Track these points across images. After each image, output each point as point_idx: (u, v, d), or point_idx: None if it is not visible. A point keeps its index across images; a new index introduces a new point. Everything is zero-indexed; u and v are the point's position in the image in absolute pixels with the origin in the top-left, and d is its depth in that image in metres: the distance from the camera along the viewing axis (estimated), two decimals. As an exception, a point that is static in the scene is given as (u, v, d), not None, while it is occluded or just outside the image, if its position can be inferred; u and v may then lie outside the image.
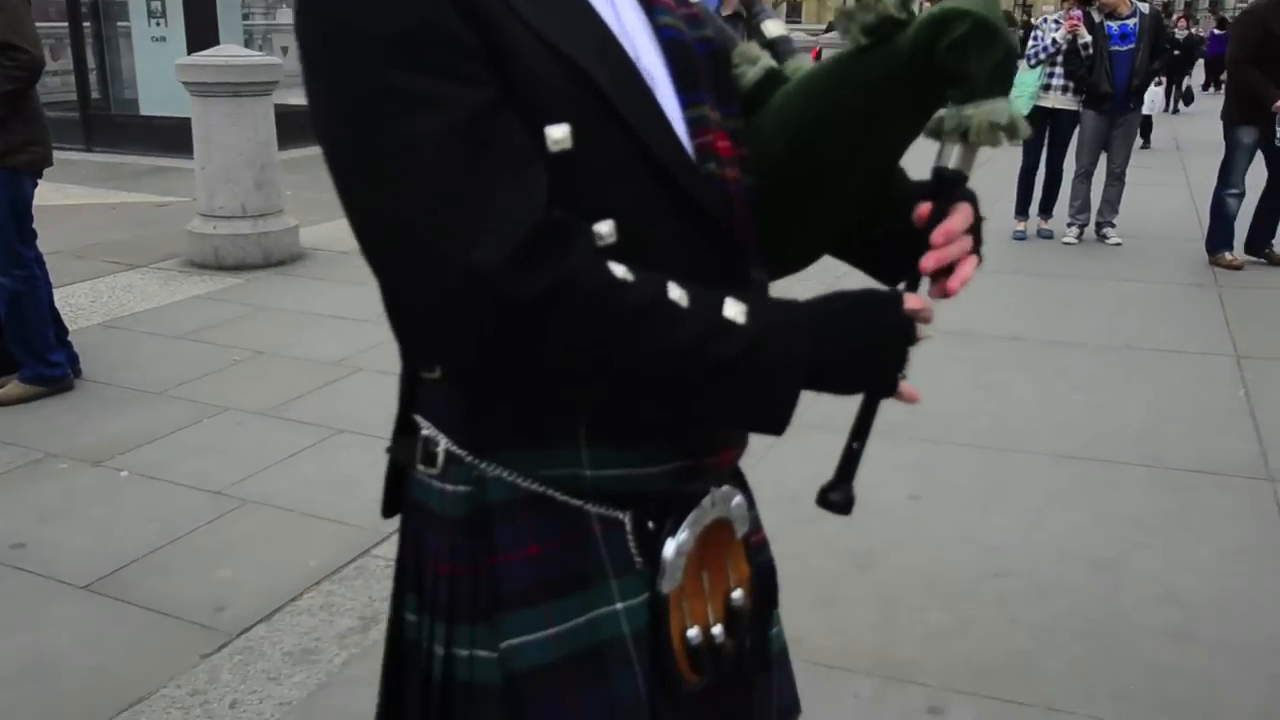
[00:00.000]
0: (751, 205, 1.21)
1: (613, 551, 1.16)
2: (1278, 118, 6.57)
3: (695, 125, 1.15)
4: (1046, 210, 7.70)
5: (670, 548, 1.18)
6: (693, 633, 1.21)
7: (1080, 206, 7.52)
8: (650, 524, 1.18)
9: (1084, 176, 7.49)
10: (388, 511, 1.29)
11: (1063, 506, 3.52)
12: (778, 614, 1.39)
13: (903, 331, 1.13)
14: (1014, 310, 5.56)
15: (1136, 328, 5.49)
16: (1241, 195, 6.90)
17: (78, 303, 5.81)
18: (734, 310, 1.07)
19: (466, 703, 1.16)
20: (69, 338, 4.73)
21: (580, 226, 1.03)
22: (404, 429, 1.22)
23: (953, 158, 1.15)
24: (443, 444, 1.16)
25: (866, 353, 1.13)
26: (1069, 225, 7.53)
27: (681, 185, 1.11)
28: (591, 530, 1.15)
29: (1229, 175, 6.93)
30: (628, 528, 1.17)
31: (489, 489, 1.14)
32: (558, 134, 1.04)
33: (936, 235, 1.13)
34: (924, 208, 1.15)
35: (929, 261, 1.13)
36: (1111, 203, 7.51)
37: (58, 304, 4.71)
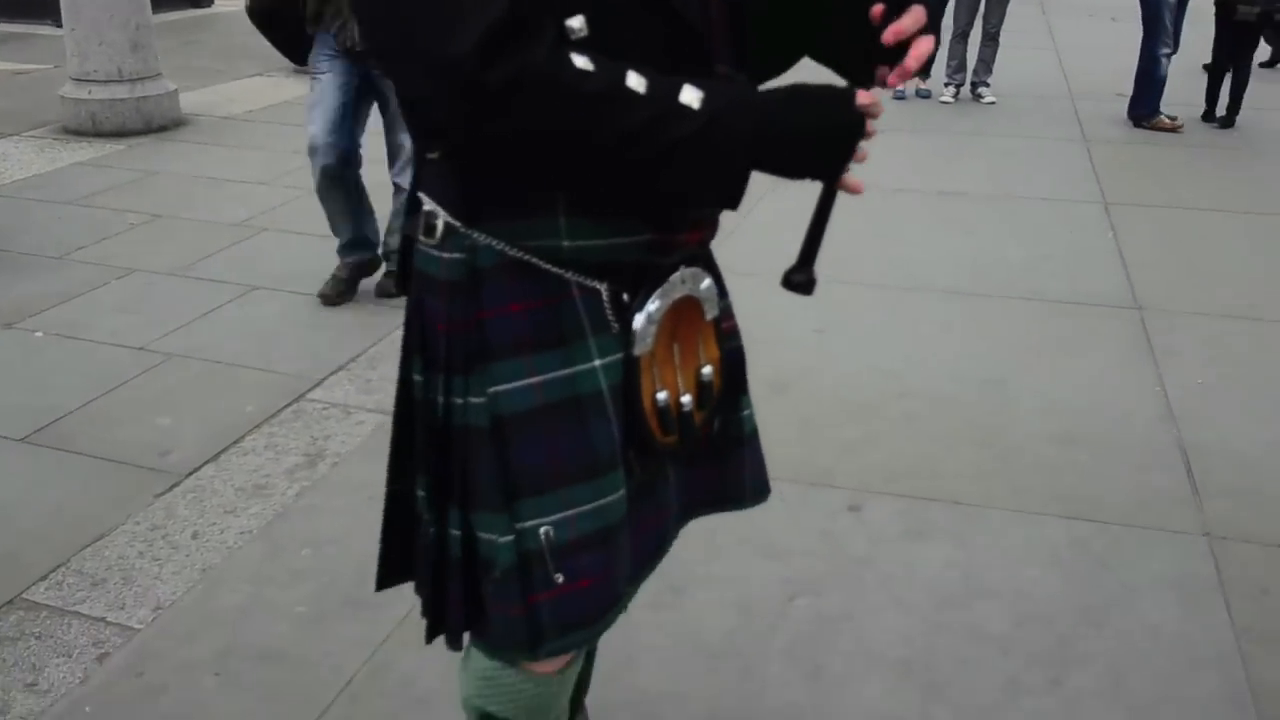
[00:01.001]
0: (730, 15, 1.37)
1: (591, 314, 1.35)
2: None
3: None
4: (924, 71, 7.94)
5: (641, 315, 1.37)
6: (661, 396, 1.41)
7: (957, 66, 7.79)
8: (625, 295, 1.36)
9: (960, 37, 7.74)
10: (400, 289, 1.45)
11: (955, 335, 3.82)
12: (749, 398, 1.59)
13: (852, 124, 1.30)
14: (901, 164, 5.82)
15: (1015, 179, 5.82)
16: (1172, 53, 6.88)
17: (-47, 171, 5.62)
18: (690, 95, 1.23)
19: (464, 445, 1.36)
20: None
21: (545, 21, 1.18)
22: (412, 207, 1.39)
23: None
24: (441, 217, 1.34)
25: (816, 141, 1.30)
26: (946, 85, 7.80)
27: None
28: (571, 295, 1.34)
29: (1157, 32, 6.86)
30: (604, 296, 1.36)
31: (480, 255, 1.32)
32: None
33: (887, 35, 1.30)
34: (877, 8, 1.30)
35: (889, 35, 1.28)
36: (987, 62, 7.80)
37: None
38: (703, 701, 2.18)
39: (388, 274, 4.11)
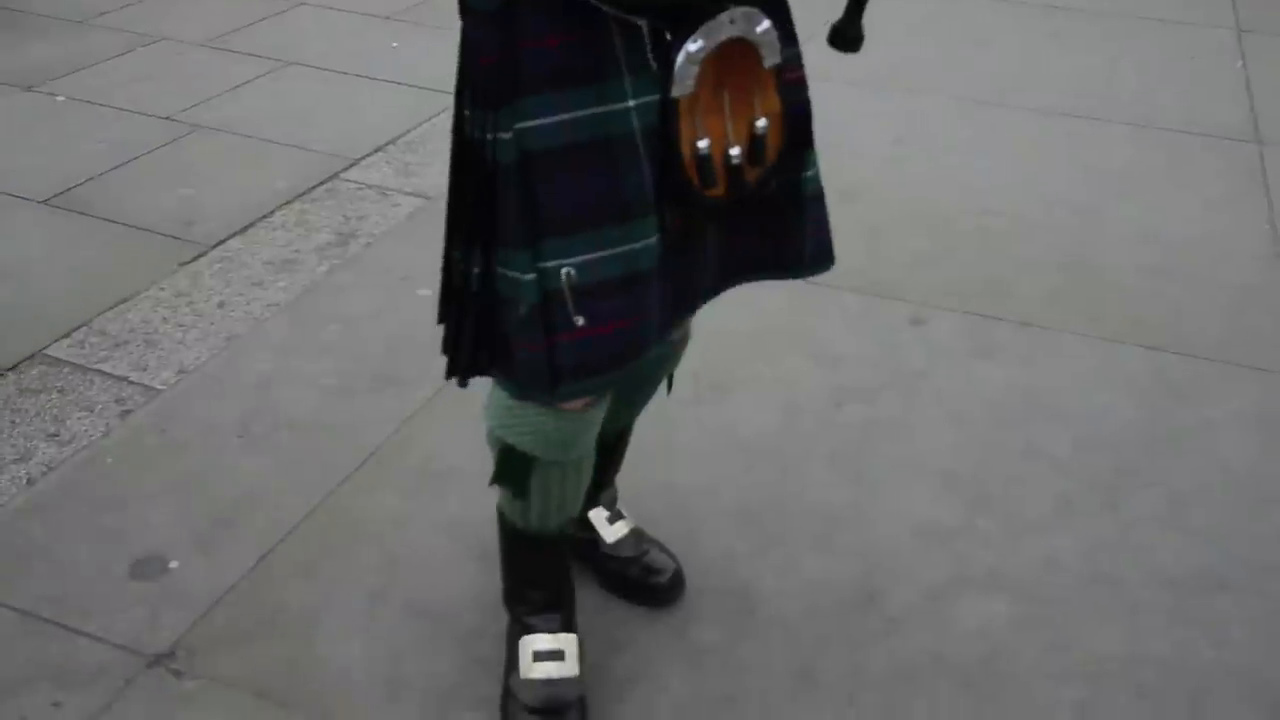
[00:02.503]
0: None
1: (629, 51, 1.41)
2: None
3: None
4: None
5: (681, 54, 1.41)
6: (702, 144, 1.46)
7: None
8: (667, 35, 1.41)
9: None
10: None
11: (1047, 156, 3.82)
12: (815, 157, 1.64)
13: None
14: (1009, -26, 5.69)
15: (1137, -3, 5.67)
16: None
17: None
18: None
19: (503, 184, 1.45)
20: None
21: None
22: None
23: None
24: None
25: None
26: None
27: None
28: (610, 31, 1.40)
29: None
30: (644, 33, 1.41)
31: None
32: None
33: None
34: None
35: None
36: None
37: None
38: (736, 496, 2.31)
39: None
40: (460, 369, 1.58)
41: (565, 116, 1.41)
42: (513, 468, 1.67)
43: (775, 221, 1.62)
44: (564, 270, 1.44)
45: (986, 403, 2.60)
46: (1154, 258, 3.24)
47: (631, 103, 1.43)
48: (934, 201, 3.46)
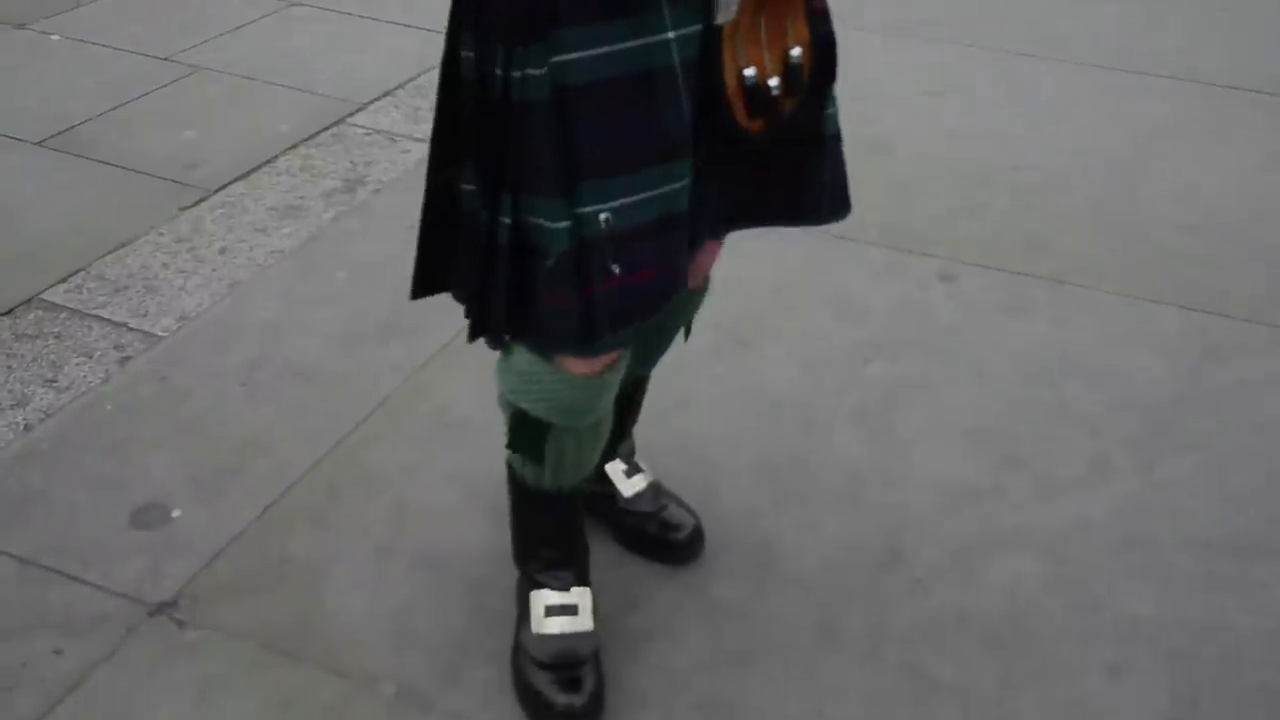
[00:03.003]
0: None
1: None
2: None
3: None
4: None
5: None
6: (749, 72, 1.47)
7: None
8: None
9: None
10: None
11: (1086, 109, 3.82)
12: (834, 97, 1.66)
13: None
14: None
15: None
16: None
17: None
18: None
19: (521, 123, 1.43)
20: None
21: None
22: None
23: None
24: None
25: None
26: None
27: None
28: None
29: None
30: None
31: None
32: None
33: None
34: None
35: None
36: None
37: None
38: (757, 451, 2.33)
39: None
40: (493, 330, 1.57)
41: (606, 50, 1.40)
42: (527, 433, 1.68)
43: (795, 162, 1.63)
44: (602, 216, 1.43)
45: (1017, 361, 2.61)
46: (1193, 216, 3.24)
47: (671, 34, 1.43)
48: (967, 155, 3.46)
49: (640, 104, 1.44)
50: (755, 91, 1.48)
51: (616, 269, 1.46)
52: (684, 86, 1.45)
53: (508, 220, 1.48)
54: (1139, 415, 2.47)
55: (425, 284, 1.64)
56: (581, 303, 1.47)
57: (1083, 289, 2.88)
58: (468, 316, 1.61)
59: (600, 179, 1.43)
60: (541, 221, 1.46)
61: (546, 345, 1.57)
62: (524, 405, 1.65)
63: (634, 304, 1.50)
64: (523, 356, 1.61)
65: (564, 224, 1.44)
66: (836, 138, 1.68)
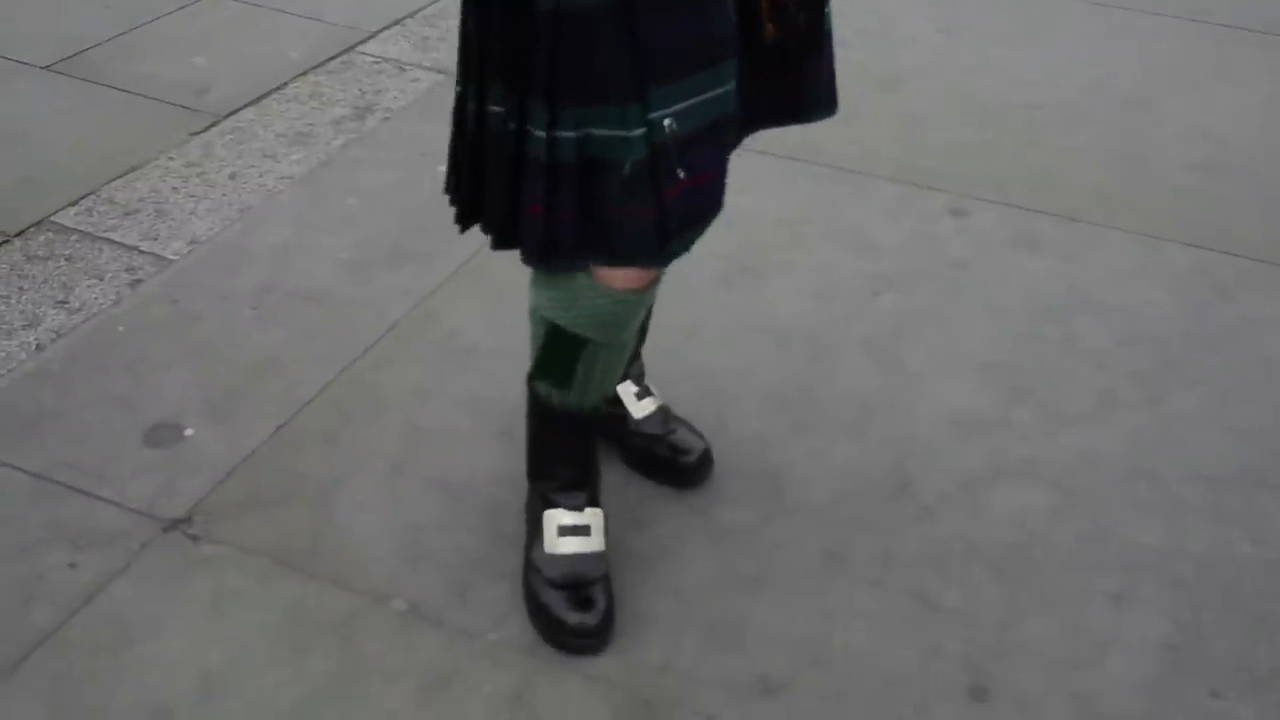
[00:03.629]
0: None
1: None
2: None
3: None
4: None
5: None
6: None
7: None
8: None
9: None
10: None
11: (1099, 49, 3.79)
12: None
13: None
14: None
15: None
16: None
17: None
18: None
19: (577, 29, 1.40)
20: None
21: None
22: None
23: None
24: None
25: None
26: None
27: None
28: None
29: None
30: None
31: None
32: None
33: None
34: None
35: None
36: None
37: None
38: (767, 379, 2.33)
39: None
40: (564, 252, 1.52)
41: None
42: (561, 349, 1.68)
43: (799, 61, 1.64)
44: (666, 121, 1.43)
45: (1027, 295, 2.61)
46: (1203, 155, 3.23)
47: None
48: (979, 92, 3.44)
49: (695, 7, 1.44)
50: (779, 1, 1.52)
51: (682, 173, 1.46)
52: None
53: (570, 134, 1.45)
54: (1147, 350, 2.48)
55: (465, 216, 1.65)
56: (657, 211, 1.47)
57: (1092, 225, 2.87)
58: (491, 236, 1.59)
59: (666, 83, 1.43)
60: (613, 132, 1.44)
61: (616, 258, 1.54)
62: (562, 321, 1.65)
63: (697, 208, 1.51)
64: (566, 273, 1.59)
65: (639, 131, 1.43)
66: (829, 35, 1.70)
